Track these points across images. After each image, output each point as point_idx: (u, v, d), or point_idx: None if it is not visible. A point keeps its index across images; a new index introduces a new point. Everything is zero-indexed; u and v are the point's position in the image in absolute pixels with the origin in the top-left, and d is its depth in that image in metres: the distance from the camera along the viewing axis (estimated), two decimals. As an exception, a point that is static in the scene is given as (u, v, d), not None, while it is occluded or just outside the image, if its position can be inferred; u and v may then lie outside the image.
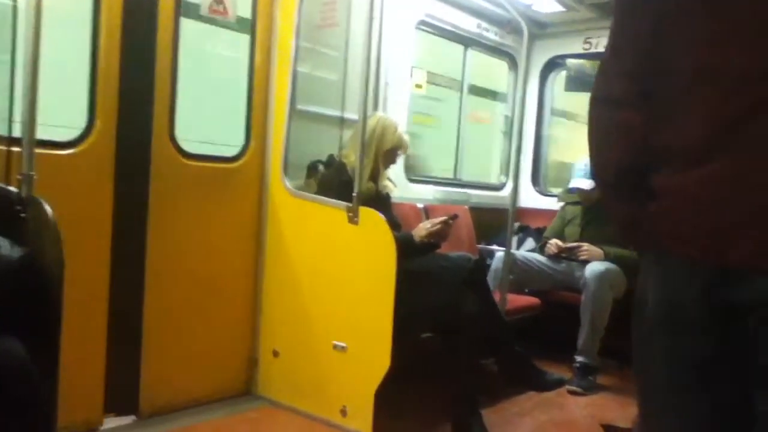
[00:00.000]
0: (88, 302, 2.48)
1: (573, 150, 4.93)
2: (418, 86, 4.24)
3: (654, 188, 1.26)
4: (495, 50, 4.80)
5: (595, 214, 3.94)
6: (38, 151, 2.07)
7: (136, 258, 2.70)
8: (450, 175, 4.72)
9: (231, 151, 3.09)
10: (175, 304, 2.85)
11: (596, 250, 3.79)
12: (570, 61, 4.75)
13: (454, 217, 3.14)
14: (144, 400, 2.74)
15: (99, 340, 2.58)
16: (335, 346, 2.77)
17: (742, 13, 1.13)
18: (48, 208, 1.78)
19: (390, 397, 2.64)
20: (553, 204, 4.54)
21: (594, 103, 1.37)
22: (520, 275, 3.88)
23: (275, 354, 3.05)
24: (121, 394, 2.67)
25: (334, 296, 2.82)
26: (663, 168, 1.24)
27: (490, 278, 3.65)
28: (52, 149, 2.40)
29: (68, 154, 2.47)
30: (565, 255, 3.91)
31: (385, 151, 3.15)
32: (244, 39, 3.12)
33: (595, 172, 1.44)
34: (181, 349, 2.88)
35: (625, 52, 1.31)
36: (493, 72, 5.09)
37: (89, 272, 2.48)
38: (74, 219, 2.23)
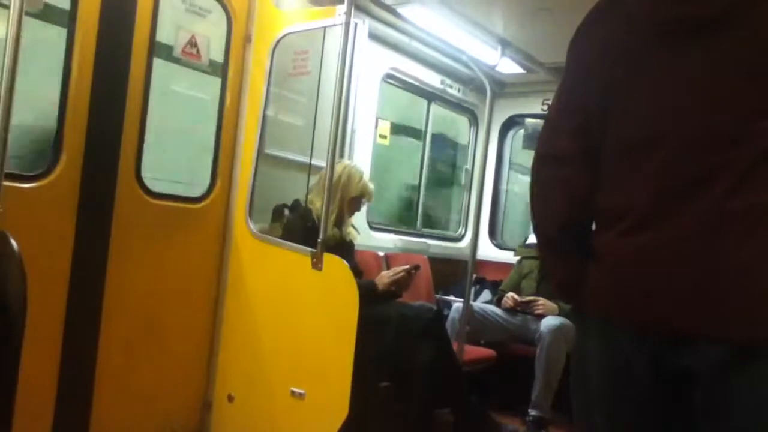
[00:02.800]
0: (41, 337, 2.39)
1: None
2: (383, 136, 4.33)
3: (595, 249, 1.26)
4: (457, 106, 4.95)
5: (550, 269, 4.03)
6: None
7: (93, 295, 2.63)
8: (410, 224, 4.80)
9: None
10: (130, 342, 2.78)
11: (551, 305, 3.87)
12: (528, 120, 4.92)
13: (417, 267, 3.18)
14: (93, 439, 2.65)
15: (51, 376, 2.50)
16: (293, 393, 2.74)
17: (687, 86, 1.17)
18: (14, 243, 1.74)
19: (346, 447, 2.61)
20: (509, 257, 4.63)
21: (538, 159, 1.38)
22: (476, 327, 3.92)
23: (230, 399, 2.99)
24: (70, 431, 2.57)
25: (294, 342, 2.80)
26: (605, 229, 1.25)
27: (448, 328, 3.68)
28: (15, 182, 2.36)
29: (32, 188, 2.43)
30: (521, 308, 3.98)
31: (349, 198, 3.21)
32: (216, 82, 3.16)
33: (537, 226, 1.43)
34: (134, 388, 2.80)
35: (572, 112, 1.32)
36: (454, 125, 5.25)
37: (45, 306, 2.41)
38: (33, 253, 2.18)
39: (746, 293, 1.07)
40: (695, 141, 1.14)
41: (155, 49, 2.83)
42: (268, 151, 3.22)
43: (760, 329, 1.06)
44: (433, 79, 4.56)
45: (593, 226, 1.35)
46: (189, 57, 3.05)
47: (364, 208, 3.57)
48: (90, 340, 2.63)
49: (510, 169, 5.26)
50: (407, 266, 3.16)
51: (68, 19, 2.51)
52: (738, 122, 1.12)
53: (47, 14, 2.58)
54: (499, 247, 5.06)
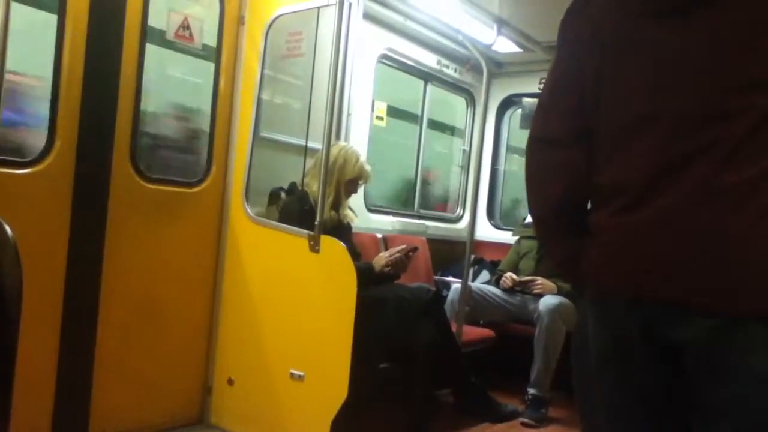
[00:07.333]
0: (39, 323, 2.40)
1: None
2: (379, 118, 4.30)
3: (591, 225, 1.28)
4: (454, 86, 4.92)
5: (548, 249, 4.03)
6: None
7: (91, 281, 2.63)
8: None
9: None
10: (129, 328, 2.79)
11: (550, 284, 3.87)
12: (525, 100, 4.88)
13: (415, 249, 3.17)
14: (94, 426, 2.66)
15: (49, 362, 2.51)
16: (292, 375, 2.75)
17: (678, 64, 1.17)
18: (8, 229, 1.73)
19: (346, 427, 2.62)
20: (507, 237, 4.63)
21: (533, 142, 1.37)
22: (475, 307, 3.93)
23: (230, 382, 3.00)
24: (71, 418, 2.58)
25: (293, 324, 2.81)
26: (601, 206, 1.26)
27: (446, 309, 3.68)
28: (8, 168, 2.35)
29: (26, 174, 2.41)
30: (520, 288, 3.98)
31: (346, 180, 3.19)
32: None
33: (534, 209, 1.43)
34: (133, 374, 2.81)
35: (566, 94, 1.31)
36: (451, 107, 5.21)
37: (42, 293, 2.42)
38: (29, 239, 2.17)
39: (736, 265, 1.09)
40: (685, 118, 1.15)
41: (147, 31, 2.80)
42: (263, 134, 3.20)
43: (748, 300, 1.08)
44: (429, 60, 4.53)
45: (589, 205, 1.35)
46: (182, 40, 3.02)
47: (361, 190, 3.56)
48: (88, 326, 2.63)
49: (507, 149, 5.24)
50: (404, 246, 3.16)
51: (58, 3, 2.49)
52: (727, 98, 1.13)
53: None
54: (497, 227, 5.05)
